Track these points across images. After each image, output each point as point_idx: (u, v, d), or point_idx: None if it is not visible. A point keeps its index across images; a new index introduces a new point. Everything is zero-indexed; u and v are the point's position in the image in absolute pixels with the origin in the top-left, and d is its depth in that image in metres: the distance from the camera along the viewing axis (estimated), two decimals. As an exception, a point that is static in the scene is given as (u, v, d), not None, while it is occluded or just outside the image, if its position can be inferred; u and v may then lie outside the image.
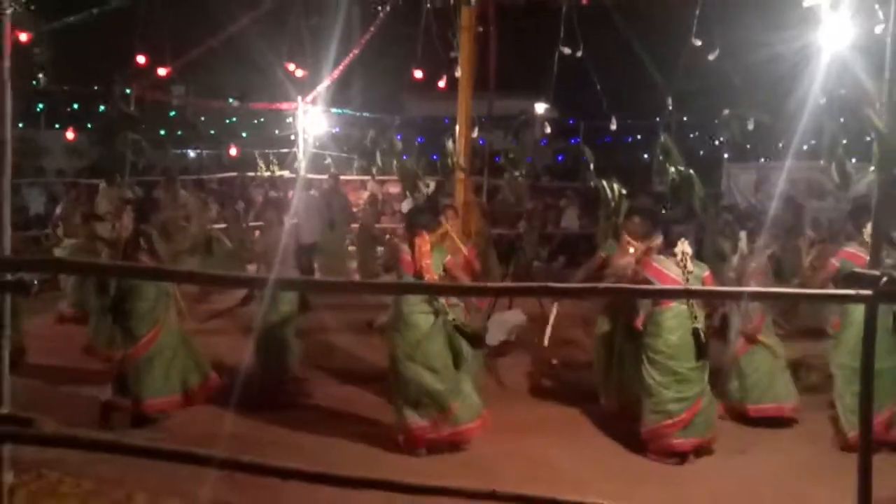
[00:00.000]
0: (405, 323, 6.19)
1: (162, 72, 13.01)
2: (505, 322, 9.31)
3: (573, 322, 10.04)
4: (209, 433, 6.22)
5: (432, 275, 6.25)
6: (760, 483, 5.84)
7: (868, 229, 6.56)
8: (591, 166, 9.18)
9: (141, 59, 12.90)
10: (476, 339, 6.71)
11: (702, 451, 6.27)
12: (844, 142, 12.84)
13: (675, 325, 6.19)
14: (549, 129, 18.64)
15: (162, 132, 24.46)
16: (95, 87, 17.45)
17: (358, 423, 6.88)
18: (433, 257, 6.32)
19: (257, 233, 14.98)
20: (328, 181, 15.17)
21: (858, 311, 6.28)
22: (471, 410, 6.27)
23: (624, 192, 7.88)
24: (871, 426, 3.53)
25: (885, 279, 3.62)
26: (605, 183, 7.68)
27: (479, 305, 8.07)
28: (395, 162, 15.40)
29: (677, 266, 6.28)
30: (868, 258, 6.38)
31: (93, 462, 5.18)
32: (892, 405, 6.28)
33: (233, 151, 18.58)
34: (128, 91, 14.17)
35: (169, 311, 6.98)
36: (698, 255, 6.59)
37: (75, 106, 24.66)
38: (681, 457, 6.18)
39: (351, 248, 14.77)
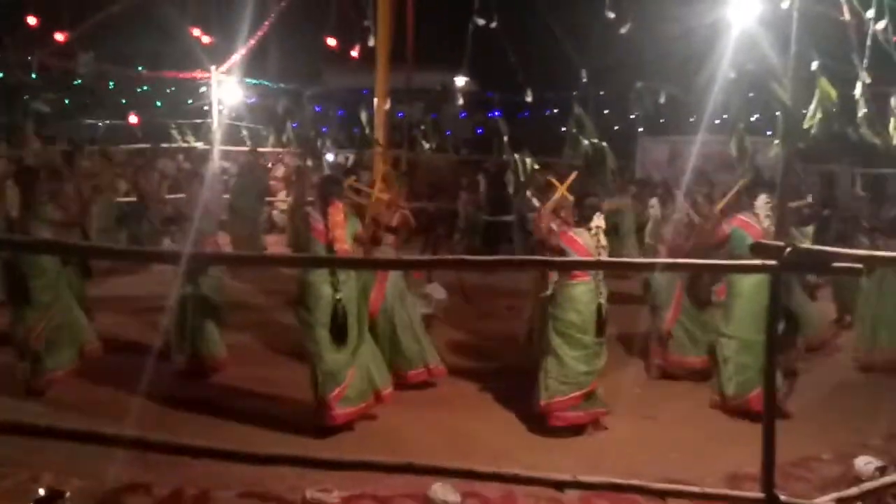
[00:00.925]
0: (312, 294, 6.12)
1: (59, 37, 12.32)
2: (426, 295, 9.30)
3: (498, 294, 10.14)
4: (117, 410, 6.05)
5: (344, 245, 6.19)
6: (670, 448, 6.00)
7: (760, 200, 6.80)
8: (505, 139, 9.21)
9: (32, 21, 12.18)
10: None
11: (598, 424, 6.40)
12: (756, 117, 13.27)
13: (587, 298, 6.28)
14: (461, 101, 18.60)
15: (66, 101, 23.41)
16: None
17: (274, 399, 6.79)
18: (347, 227, 6.27)
19: (168, 207, 14.68)
20: (247, 155, 14.80)
21: (746, 281, 6.53)
22: (364, 385, 6.31)
23: (536, 166, 7.92)
24: (774, 391, 3.65)
25: (789, 249, 3.74)
26: (517, 157, 7.70)
27: (416, 276, 8.12)
28: (311, 133, 15.24)
29: (591, 238, 6.37)
30: (758, 227, 6.64)
31: (-4, 443, 4.98)
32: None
33: (133, 119, 17.84)
34: (28, 58, 13.50)
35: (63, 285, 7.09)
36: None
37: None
38: (580, 428, 6.31)
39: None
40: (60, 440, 4.13)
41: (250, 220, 13.65)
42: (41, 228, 6.80)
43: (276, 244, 14.64)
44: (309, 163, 14.77)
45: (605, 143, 8.47)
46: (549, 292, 6.44)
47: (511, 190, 9.06)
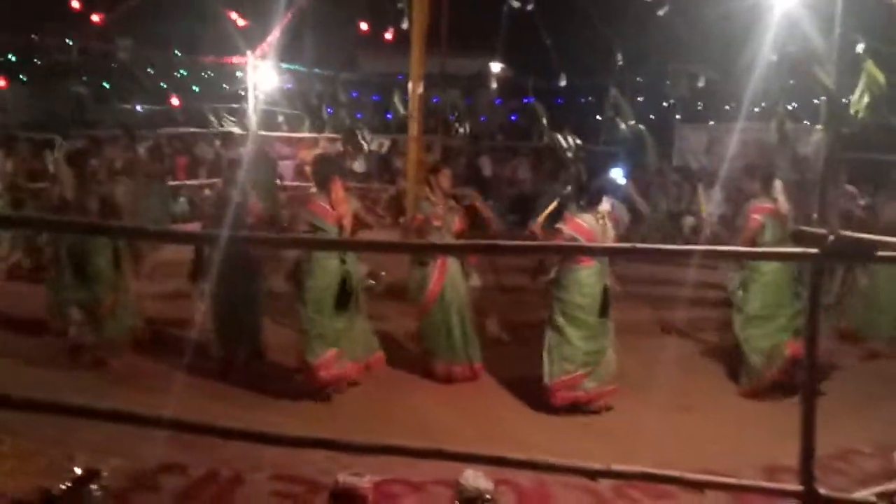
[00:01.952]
0: (320, 266, 6.29)
1: (95, 18, 12.43)
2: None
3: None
4: (159, 386, 6.23)
5: (350, 221, 6.42)
6: (706, 438, 5.92)
7: (777, 185, 6.72)
8: (544, 120, 9.11)
9: (76, 5, 12.32)
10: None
11: (602, 403, 6.45)
12: (795, 104, 13.00)
13: (593, 282, 6.31)
14: (495, 87, 18.49)
15: (105, 85, 23.64)
16: (33, 36, 16.69)
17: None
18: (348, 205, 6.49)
19: (206, 191, 14.79)
20: (255, 141, 14.77)
21: (769, 266, 6.47)
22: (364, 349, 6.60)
23: (579, 141, 7.83)
24: (815, 383, 3.56)
25: (832, 237, 3.64)
26: (558, 135, 7.63)
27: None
28: (346, 119, 15.22)
29: (597, 223, 6.36)
30: (782, 211, 6.56)
31: (33, 422, 5.02)
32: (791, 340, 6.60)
33: (175, 102, 18.03)
34: (69, 41, 13.64)
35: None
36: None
37: (11, 57, 23.49)
38: (583, 406, 6.38)
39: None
40: (95, 420, 4.16)
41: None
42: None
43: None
44: (349, 149, 14.72)
45: (642, 126, 8.33)
46: (552, 275, 6.46)
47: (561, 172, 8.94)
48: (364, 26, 12.50)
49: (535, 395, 6.73)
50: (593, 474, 3.87)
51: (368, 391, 6.80)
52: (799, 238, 3.94)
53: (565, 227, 6.38)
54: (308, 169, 15.31)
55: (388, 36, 12.18)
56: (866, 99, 5.75)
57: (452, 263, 7.08)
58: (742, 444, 5.81)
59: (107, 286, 7.20)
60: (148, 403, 5.28)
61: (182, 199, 13.56)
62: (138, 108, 22.54)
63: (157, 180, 12.35)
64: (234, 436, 3.69)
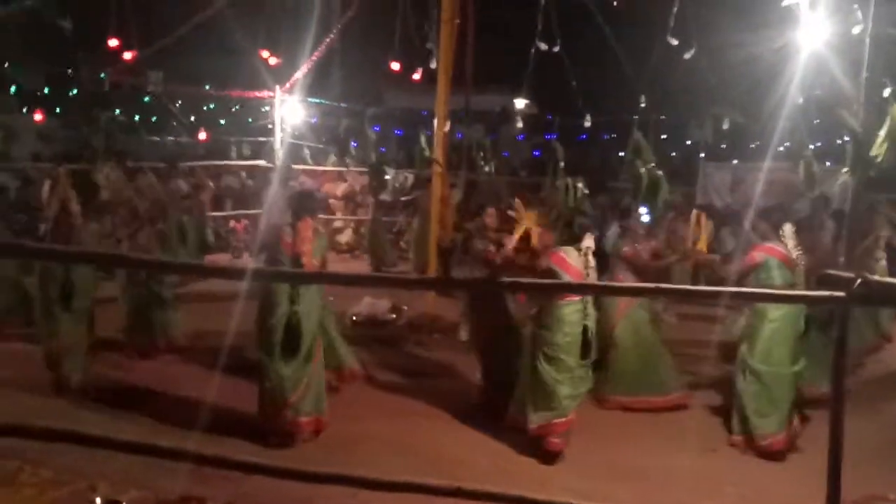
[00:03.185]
0: (271, 303, 6.17)
1: (128, 55, 12.70)
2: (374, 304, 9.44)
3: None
4: (176, 418, 6.23)
5: (309, 259, 6.28)
6: (727, 481, 5.85)
7: (787, 229, 6.62)
8: (561, 164, 9.14)
9: (113, 43, 12.61)
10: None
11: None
12: (818, 144, 12.98)
13: (575, 319, 6.17)
14: (520, 125, 18.56)
15: (136, 117, 24.07)
16: (68, 70, 17.09)
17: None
18: (315, 244, 6.37)
19: (231, 223, 14.95)
20: (280, 171, 14.96)
21: (777, 310, 6.34)
22: (313, 402, 6.35)
23: (586, 191, 7.81)
24: (842, 429, 3.50)
25: (858, 281, 3.60)
26: (569, 182, 7.61)
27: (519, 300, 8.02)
28: (371, 154, 15.34)
29: (580, 259, 6.31)
30: (788, 255, 6.48)
31: (54, 451, 5.07)
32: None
33: (202, 136, 18.29)
34: (102, 76, 13.90)
35: None
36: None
37: (46, 90, 24.09)
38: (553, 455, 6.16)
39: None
40: (116, 451, 4.18)
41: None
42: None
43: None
44: (374, 183, 14.84)
45: (660, 172, 8.36)
46: (534, 311, 6.35)
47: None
48: (395, 66, 12.67)
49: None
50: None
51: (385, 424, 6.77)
52: (825, 282, 3.89)
53: (548, 261, 6.33)
54: (332, 203, 15.59)
55: (416, 76, 12.34)
56: (888, 143, 5.74)
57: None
58: (763, 488, 5.71)
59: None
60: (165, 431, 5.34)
61: (208, 231, 13.67)
62: (166, 139, 22.87)
63: (196, 213, 12.49)
64: (254, 470, 3.69)
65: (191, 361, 8.12)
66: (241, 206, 15.52)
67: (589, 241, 6.39)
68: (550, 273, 6.22)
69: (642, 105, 11.64)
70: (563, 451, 6.20)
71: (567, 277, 6.20)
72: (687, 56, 9.51)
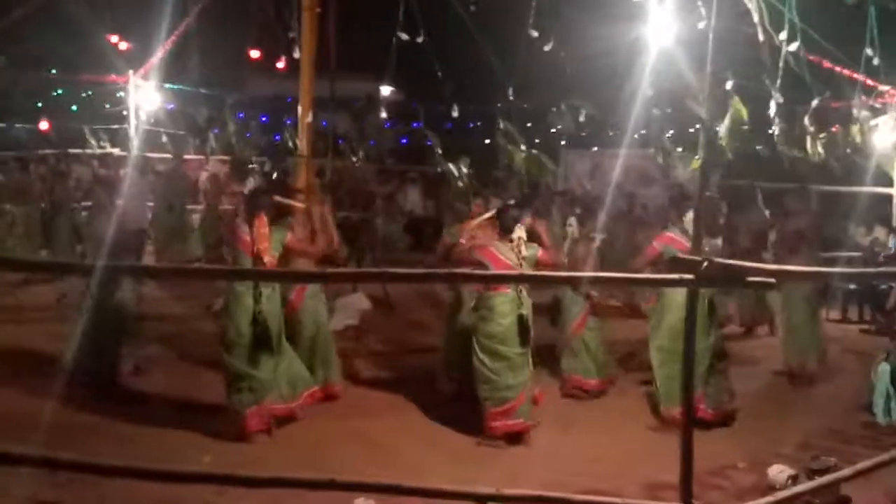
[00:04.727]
0: (235, 305, 6.16)
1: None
2: (350, 305, 9.26)
3: (422, 304, 10.13)
4: (23, 426, 5.74)
5: (271, 257, 6.25)
6: (591, 459, 6.08)
7: (689, 216, 6.97)
8: (439, 151, 9.23)
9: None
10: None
11: (521, 435, 6.41)
12: (672, 132, 13.65)
13: (507, 310, 6.36)
14: (384, 114, 18.57)
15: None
16: None
17: (190, 410, 6.65)
18: (272, 238, 6.32)
19: (83, 213, 14.19)
20: (172, 162, 14.44)
21: (675, 294, 6.69)
22: (288, 389, 6.44)
23: (472, 172, 7.95)
24: (693, 404, 3.73)
25: (705, 264, 3.83)
26: (452, 166, 7.72)
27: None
28: (234, 142, 14.94)
29: (512, 251, 6.43)
30: (689, 243, 6.82)
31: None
32: (702, 385, 6.67)
33: (44, 126, 17.20)
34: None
35: None
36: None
37: None
38: (509, 440, 6.34)
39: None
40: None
41: (175, 228, 13.32)
42: None
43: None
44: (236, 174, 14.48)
45: (534, 151, 8.61)
46: (472, 304, 6.51)
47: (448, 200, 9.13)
48: (255, 54, 12.38)
49: (427, 418, 6.83)
50: (484, 498, 3.92)
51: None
52: (676, 264, 4.12)
53: (476, 253, 6.48)
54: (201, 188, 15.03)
55: (280, 65, 12.11)
56: (729, 131, 6.12)
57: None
58: (625, 463, 5.97)
59: None
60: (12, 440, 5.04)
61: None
62: (15, 126, 21.42)
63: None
64: (113, 472, 3.55)
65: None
66: (91, 198, 14.75)
67: (520, 232, 6.48)
68: (481, 267, 6.35)
69: (510, 97, 11.85)
70: (514, 434, 6.32)
71: (496, 270, 6.33)
72: (546, 48, 9.74)
